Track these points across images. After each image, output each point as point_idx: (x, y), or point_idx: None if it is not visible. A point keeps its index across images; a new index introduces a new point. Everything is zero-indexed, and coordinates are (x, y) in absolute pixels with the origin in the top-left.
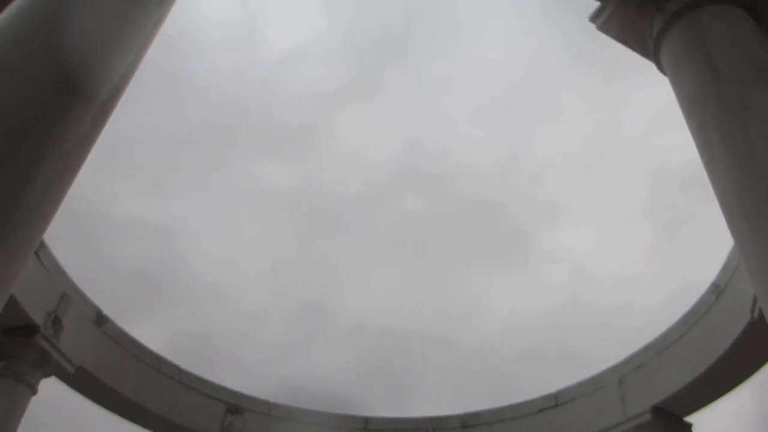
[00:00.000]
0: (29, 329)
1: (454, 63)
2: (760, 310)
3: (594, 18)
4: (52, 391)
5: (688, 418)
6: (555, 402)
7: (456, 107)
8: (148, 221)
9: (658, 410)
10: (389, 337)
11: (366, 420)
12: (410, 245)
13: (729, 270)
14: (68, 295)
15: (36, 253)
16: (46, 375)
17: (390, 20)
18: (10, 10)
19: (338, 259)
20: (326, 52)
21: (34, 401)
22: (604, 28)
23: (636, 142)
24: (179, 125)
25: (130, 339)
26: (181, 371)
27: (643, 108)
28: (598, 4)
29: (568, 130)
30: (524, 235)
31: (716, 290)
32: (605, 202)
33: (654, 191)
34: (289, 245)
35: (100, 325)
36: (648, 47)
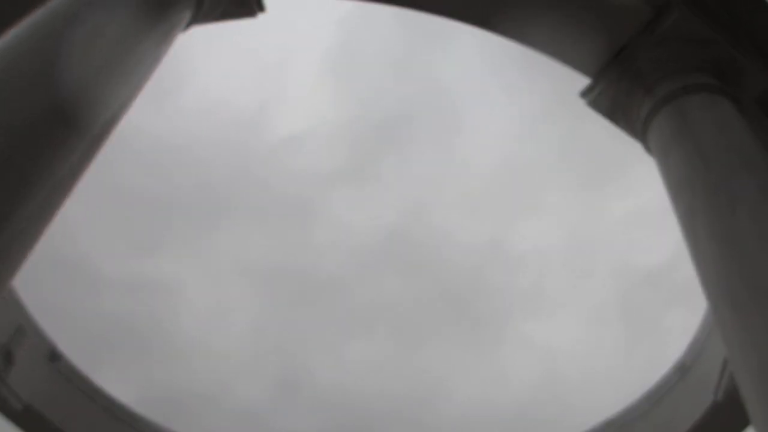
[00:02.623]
0: None
1: (448, 155)
2: (725, 393)
3: (584, 94)
4: None
5: None
6: None
7: (444, 198)
8: (136, 277)
9: None
10: (357, 411)
11: None
12: (386, 324)
13: (695, 351)
14: (24, 328)
15: None
16: None
17: (393, 112)
18: (6, 38)
19: (315, 331)
20: (327, 136)
21: None
22: (594, 105)
23: (609, 242)
24: (177, 187)
25: (83, 379)
26: (134, 416)
27: (618, 212)
28: (589, 80)
29: (547, 227)
30: (496, 323)
31: (681, 369)
32: (576, 296)
33: (623, 289)
34: (269, 314)
35: (54, 361)
36: (636, 128)
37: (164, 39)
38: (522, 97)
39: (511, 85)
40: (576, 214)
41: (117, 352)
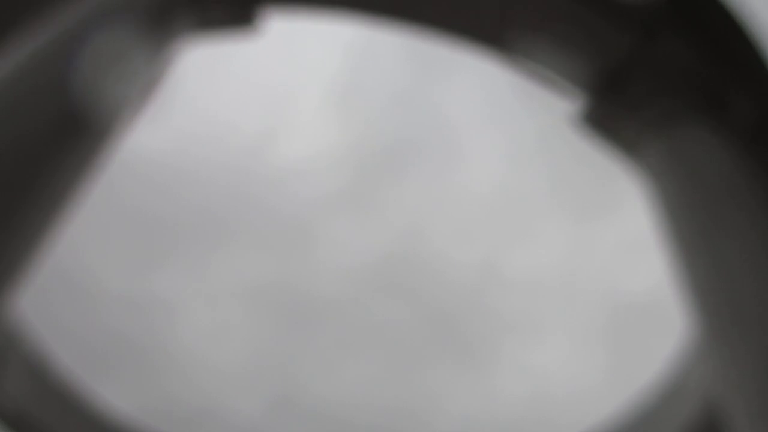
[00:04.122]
0: None
1: (446, 183)
2: (706, 414)
3: (575, 117)
4: None
5: None
6: None
7: (440, 223)
8: (136, 293)
9: None
10: (351, 427)
11: None
12: (381, 344)
13: (677, 372)
14: (18, 336)
15: None
16: None
17: (394, 139)
18: (20, 50)
19: (311, 350)
20: (328, 162)
21: None
22: (584, 126)
23: (599, 270)
24: (178, 208)
25: (76, 389)
26: (121, 427)
27: (609, 240)
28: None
29: (540, 253)
30: (488, 344)
31: (663, 389)
32: (565, 321)
33: (611, 314)
34: (266, 333)
35: (47, 371)
36: (628, 150)
37: (164, 53)
38: (520, 129)
39: (510, 117)
40: (568, 241)
41: (114, 364)
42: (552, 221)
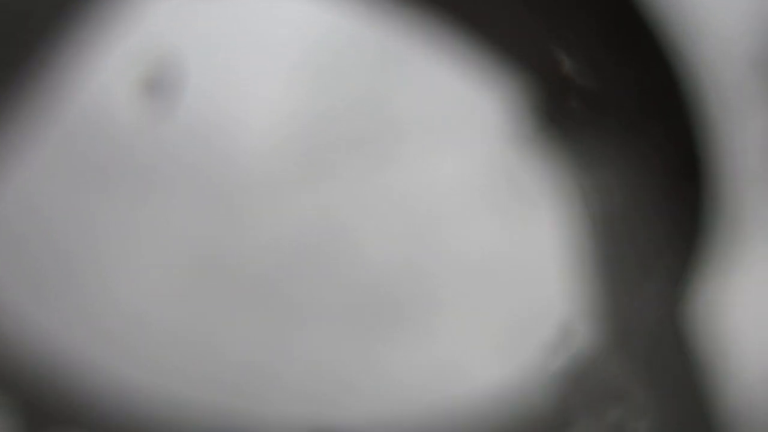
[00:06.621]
0: None
1: (390, 172)
2: None
3: (523, 122)
4: None
5: None
6: None
7: (380, 210)
8: (82, 217)
9: None
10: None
11: None
12: (318, 318)
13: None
14: None
15: None
16: None
17: (358, 120)
18: None
19: (240, 321)
20: (284, 133)
21: None
22: (528, 136)
23: (525, 272)
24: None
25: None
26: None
27: (537, 244)
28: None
29: (469, 248)
30: (412, 323)
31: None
32: (484, 313)
33: (527, 310)
34: (195, 294)
35: None
36: (562, 163)
37: None
38: (473, 133)
39: (463, 119)
40: (498, 240)
41: (53, 292)
42: (487, 218)
